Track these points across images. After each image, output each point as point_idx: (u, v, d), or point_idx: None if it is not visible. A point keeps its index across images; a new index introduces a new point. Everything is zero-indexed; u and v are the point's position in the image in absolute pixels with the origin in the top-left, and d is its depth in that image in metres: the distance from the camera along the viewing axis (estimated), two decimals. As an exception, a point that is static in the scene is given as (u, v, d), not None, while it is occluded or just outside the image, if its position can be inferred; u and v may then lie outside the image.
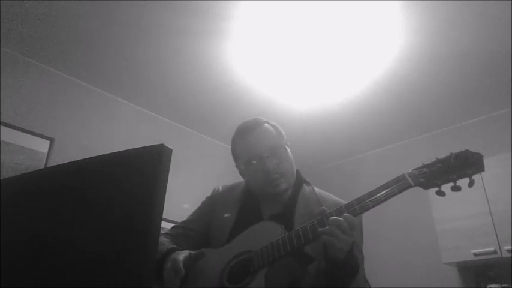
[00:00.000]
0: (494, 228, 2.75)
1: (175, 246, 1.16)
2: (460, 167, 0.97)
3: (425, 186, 0.99)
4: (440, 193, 0.99)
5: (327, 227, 0.94)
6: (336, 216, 0.96)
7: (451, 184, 0.98)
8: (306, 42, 2.68)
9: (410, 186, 0.98)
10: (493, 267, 2.88)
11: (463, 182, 0.97)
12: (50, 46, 2.79)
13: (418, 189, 0.99)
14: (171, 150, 0.65)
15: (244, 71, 2.99)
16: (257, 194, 1.24)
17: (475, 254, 2.77)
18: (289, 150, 1.24)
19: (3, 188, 0.76)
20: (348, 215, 0.95)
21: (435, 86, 3.11)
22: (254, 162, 1.18)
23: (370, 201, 0.97)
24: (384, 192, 0.98)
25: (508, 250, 2.65)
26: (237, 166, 1.29)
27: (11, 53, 2.81)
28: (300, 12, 2.45)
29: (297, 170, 1.27)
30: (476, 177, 0.97)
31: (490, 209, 2.81)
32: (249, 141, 1.21)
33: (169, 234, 1.32)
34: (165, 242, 1.21)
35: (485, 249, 2.74)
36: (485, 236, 2.76)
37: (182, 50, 2.79)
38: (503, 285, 2.70)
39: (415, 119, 3.56)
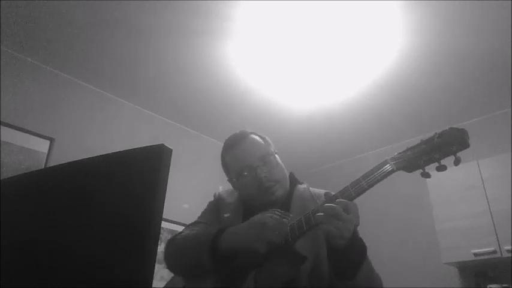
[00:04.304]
0: (494, 228, 2.75)
1: (223, 227, 1.10)
2: (444, 145, 0.94)
3: (408, 169, 0.97)
4: (425, 175, 0.96)
5: (322, 214, 0.92)
6: (329, 203, 0.94)
7: (436, 164, 0.95)
8: (306, 42, 2.68)
9: (392, 171, 0.96)
10: (493, 267, 2.88)
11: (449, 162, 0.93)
12: (50, 46, 2.79)
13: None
14: (171, 150, 0.65)
15: (244, 71, 2.99)
16: (252, 204, 1.22)
17: (475, 254, 2.77)
18: (278, 158, 1.24)
19: (3, 188, 0.76)
20: (341, 200, 0.94)
21: (435, 86, 3.11)
22: (245, 173, 1.18)
23: (353, 190, 0.96)
24: (367, 180, 0.96)
25: (508, 250, 2.65)
26: (229, 180, 1.28)
27: (11, 53, 2.82)
28: (300, 13, 2.45)
29: (290, 172, 1.28)
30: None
31: (490, 209, 2.81)
32: (238, 153, 1.21)
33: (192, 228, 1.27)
34: (202, 226, 1.19)
35: (485, 249, 2.74)
36: (485, 236, 2.76)
37: (182, 50, 2.79)
38: (503, 285, 2.70)
39: (415, 119, 3.56)
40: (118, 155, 0.69)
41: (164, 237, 3.21)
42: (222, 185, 1.38)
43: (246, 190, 1.21)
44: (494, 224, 2.76)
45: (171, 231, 3.25)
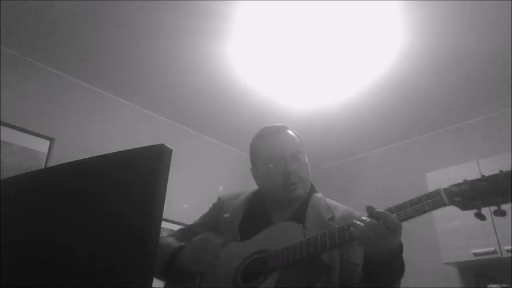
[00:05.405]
0: (494, 228, 2.75)
1: (184, 244, 1.15)
2: (510, 188, 0.83)
3: (463, 206, 0.88)
4: (480, 216, 0.87)
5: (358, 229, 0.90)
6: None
7: (494, 208, 0.86)
8: (306, 42, 2.67)
9: (444, 205, 0.86)
10: (493, 267, 2.88)
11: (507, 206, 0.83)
12: (50, 46, 2.79)
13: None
14: (171, 150, 0.65)
15: (244, 71, 2.99)
16: (269, 198, 1.23)
17: (475, 254, 2.77)
18: (307, 159, 1.24)
19: (3, 188, 0.76)
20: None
21: (435, 86, 3.11)
22: (274, 164, 1.18)
23: (397, 215, 0.89)
24: (414, 207, 0.88)
25: (508, 250, 2.65)
26: (252, 168, 1.28)
27: (11, 53, 2.81)
28: (300, 13, 2.45)
29: None
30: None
31: (490, 209, 2.81)
32: (273, 143, 1.22)
33: (176, 236, 1.30)
34: (173, 241, 1.21)
35: (485, 249, 2.73)
36: (485, 236, 2.76)
37: (182, 50, 2.79)
38: (503, 285, 2.70)
39: (415, 119, 3.55)
40: (118, 155, 0.69)
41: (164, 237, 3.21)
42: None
43: (270, 180, 1.19)
44: (494, 224, 2.76)
45: (171, 231, 3.25)
